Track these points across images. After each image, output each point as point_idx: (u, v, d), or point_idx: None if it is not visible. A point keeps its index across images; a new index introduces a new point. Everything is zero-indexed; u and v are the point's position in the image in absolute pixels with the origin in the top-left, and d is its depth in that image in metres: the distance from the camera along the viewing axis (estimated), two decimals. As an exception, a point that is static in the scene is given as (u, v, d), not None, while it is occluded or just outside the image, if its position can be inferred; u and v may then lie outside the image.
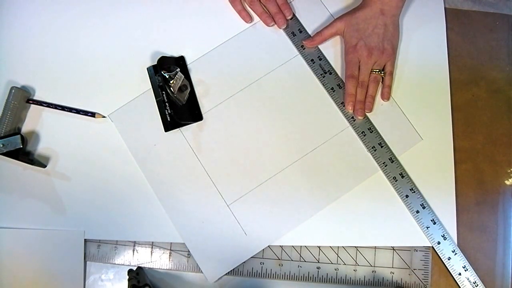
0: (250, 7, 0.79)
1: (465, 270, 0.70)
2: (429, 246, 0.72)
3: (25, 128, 0.77)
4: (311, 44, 0.77)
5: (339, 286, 0.72)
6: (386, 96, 0.75)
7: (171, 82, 0.71)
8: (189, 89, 0.75)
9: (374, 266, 0.72)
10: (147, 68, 0.77)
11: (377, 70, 0.74)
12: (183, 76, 0.72)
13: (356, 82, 0.74)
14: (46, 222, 0.75)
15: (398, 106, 0.75)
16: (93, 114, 0.77)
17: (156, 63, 0.75)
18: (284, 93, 0.77)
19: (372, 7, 0.73)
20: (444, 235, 0.71)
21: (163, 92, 0.76)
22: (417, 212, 0.72)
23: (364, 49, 0.73)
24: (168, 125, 0.76)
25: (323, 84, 0.76)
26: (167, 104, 0.76)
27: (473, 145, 0.74)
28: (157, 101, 0.76)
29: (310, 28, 0.78)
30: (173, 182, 0.75)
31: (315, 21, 0.77)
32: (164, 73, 0.70)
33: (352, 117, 0.75)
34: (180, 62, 0.77)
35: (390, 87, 0.75)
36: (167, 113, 0.76)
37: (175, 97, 0.73)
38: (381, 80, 0.75)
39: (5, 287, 0.74)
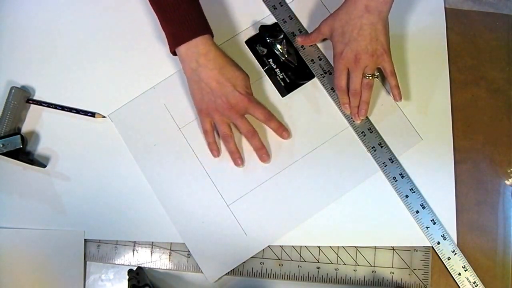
0: (223, 143, 0.74)
1: (465, 270, 0.70)
2: (429, 246, 0.72)
3: (25, 128, 0.77)
4: (302, 43, 0.77)
5: (339, 286, 0.72)
6: (397, 97, 0.73)
7: (279, 47, 0.75)
8: (294, 51, 0.77)
9: (374, 266, 0.72)
10: (245, 42, 0.78)
11: (369, 75, 0.70)
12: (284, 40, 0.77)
13: (345, 92, 0.72)
14: (46, 222, 0.75)
15: (398, 106, 0.75)
16: (93, 114, 0.77)
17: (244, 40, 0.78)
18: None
19: (357, 3, 0.68)
20: (444, 235, 0.71)
21: (269, 60, 0.77)
22: (417, 212, 0.72)
23: (350, 56, 0.69)
24: (284, 90, 0.76)
25: (323, 84, 0.76)
26: (277, 70, 0.77)
27: (473, 145, 0.74)
28: (265, 71, 0.77)
29: (310, 28, 0.78)
30: (173, 182, 0.75)
31: (315, 21, 0.77)
32: (272, 40, 0.75)
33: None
34: (276, 28, 0.78)
35: (398, 87, 0.72)
36: (279, 78, 0.76)
37: (287, 59, 0.76)
38: (374, 84, 0.73)
39: (5, 287, 0.74)
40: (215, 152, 0.74)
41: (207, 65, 0.69)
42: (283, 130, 0.74)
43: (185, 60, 0.70)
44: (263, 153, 0.73)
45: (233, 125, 0.74)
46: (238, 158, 0.74)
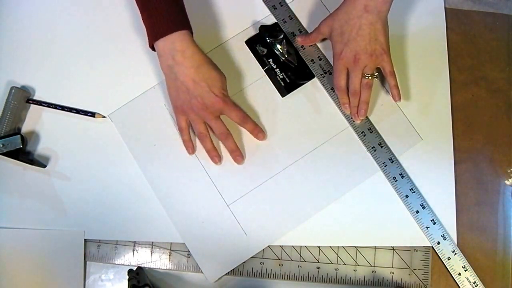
0: (200, 141, 0.74)
1: (465, 270, 0.70)
2: (429, 246, 0.72)
3: (25, 128, 0.77)
4: (302, 43, 0.77)
5: (339, 286, 0.72)
6: (397, 97, 0.72)
7: (279, 47, 0.74)
8: (294, 51, 0.77)
9: (374, 266, 0.72)
10: (245, 42, 0.78)
11: (368, 75, 0.70)
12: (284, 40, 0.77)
13: (345, 92, 0.72)
14: (46, 222, 0.75)
15: (398, 106, 0.75)
16: (93, 114, 0.77)
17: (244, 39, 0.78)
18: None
19: (356, 3, 0.68)
20: (444, 235, 0.71)
21: (269, 60, 0.77)
22: (417, 212, 0.72)
23: (349, 56, 0.69)
24: (284, 90, 0.76)
25: (323, 84, 0.76)
26: (277, 70, 0.76)
27: (473, 145, 0.74)
28: (265, 71, 0.77)
29: (310, 28, 0.78)
30: (173, 182, 0.75)
31: (315, 21, 0.77)
32: (272, 40, 0.74)
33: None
34: (276, 28, 0.78)
35: (397, 87, 0.72)
36: (279, 78, 0.76)
37: (287, 59, 0.76)
38: (374, 84, 0.73)
39: (5, 287, 0.74)
40: (190, 149, 0.74)
41: (183, 63, 0.68)
42: (258, 131, 0.74)
43: (162, 56, 0.69)
44: (237, 155, 0.73)
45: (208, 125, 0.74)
46: (215, 156, 0.74)
